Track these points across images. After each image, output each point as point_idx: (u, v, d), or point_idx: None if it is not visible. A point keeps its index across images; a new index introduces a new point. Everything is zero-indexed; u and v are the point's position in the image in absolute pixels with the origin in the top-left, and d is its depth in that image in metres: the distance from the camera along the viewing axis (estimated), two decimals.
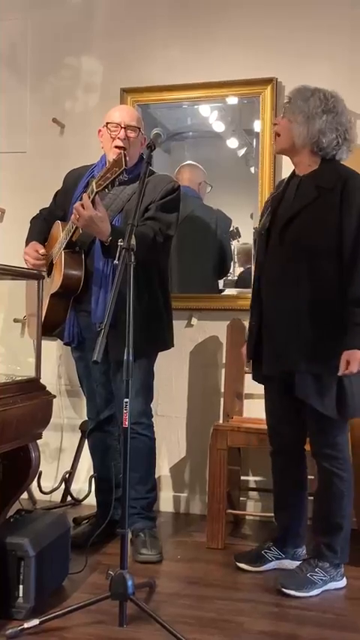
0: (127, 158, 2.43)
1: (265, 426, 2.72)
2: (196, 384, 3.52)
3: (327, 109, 2.45)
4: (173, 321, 2.98)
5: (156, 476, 3.02)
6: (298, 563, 2.62)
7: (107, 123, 2.84)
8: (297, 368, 2.41)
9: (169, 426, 3.47)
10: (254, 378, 2.69)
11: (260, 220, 2.69)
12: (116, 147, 2.79)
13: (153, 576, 2.55)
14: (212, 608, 2.34)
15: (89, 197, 2.56)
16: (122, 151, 2.49)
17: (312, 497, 2.65)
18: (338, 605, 2.40)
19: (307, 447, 2.61)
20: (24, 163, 3.73)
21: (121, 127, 2.81)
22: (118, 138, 2.80)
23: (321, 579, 2.48)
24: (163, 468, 3.48)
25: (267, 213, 2.62)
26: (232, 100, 3.51)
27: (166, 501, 3.48)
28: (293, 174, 2.61)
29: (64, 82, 3.72)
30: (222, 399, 3.41)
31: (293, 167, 2.60)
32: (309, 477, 2.68)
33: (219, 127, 3.59)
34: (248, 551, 2.76)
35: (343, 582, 2.55)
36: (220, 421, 3.27)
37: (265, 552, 2.70)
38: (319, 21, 3.34)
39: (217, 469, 2.92)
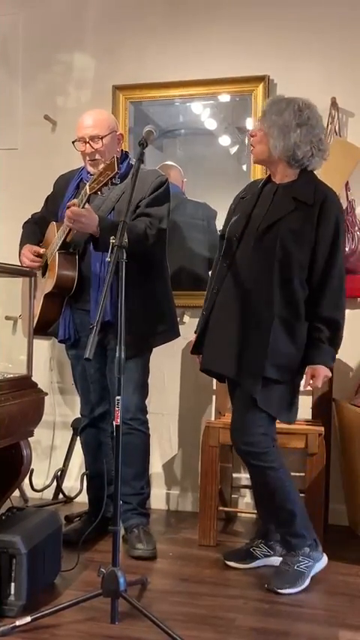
0: (125, 162, 2.44)
1: None
2: (188, 382, 3.53)
3: (301, 122, 2.46)
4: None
5: None
6: None
7: (73, 142, 2.85)
8: (265, 374, 2.42)
9: (161, 423, 3.47)
10: (201, 369, 2.69)
11: (227, 221, 2.70)
12: (88, 160, 2.84)
13: (145, 573, 2.55)
14: (204, 605, 2.35)
15: (82, 200, 2.59)
16: (114, 156, 2.50)
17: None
18: (329, 601, 2.41)
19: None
20: (15, 160, 3.72)
21: (86, 142, 2.81)
22: (86, 154, 2.82)
23: (307, 567, 2.50)
24: (154, 465, 3.48)
25: (238, 217, 2.61)
26: (225, 98, 3.51)
27: (157, 498, 3.49)
28: (269, 179, 2.63)
29: (56, 78, 3.71)
30: (214, 397, 3.42)
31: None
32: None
33: (211, 124, 3.59)
34: (237, 549, 2.77)
35: (325, 559, 2.58)
36: (212, 418, 3.28)
37: (254, 550, 2.70)
38: (311, 19, 3.35)
39: (208, 466, 2.92)
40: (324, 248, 2.45)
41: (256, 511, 3.20)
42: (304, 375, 2.49)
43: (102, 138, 2.80)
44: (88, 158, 2.84)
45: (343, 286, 2.50)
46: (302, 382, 2.51)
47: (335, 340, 2.49)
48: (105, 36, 3.62)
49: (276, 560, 2.66)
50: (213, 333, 2.59)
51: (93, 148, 2.81)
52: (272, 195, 2.56)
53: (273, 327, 2.42)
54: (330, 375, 2.51)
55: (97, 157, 2.80)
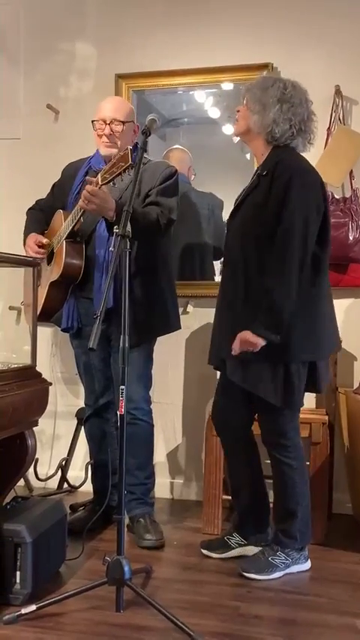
0: (134, 154, 2.43)
1: None
2: (192, 371, 3.53)
3: (283, 98, 2.45)
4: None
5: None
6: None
7: (93, 121, 2.85)
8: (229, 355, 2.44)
9: (165, 413, 3.48)
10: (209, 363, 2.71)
11: None
12: (104, 142, 2.82)
13: (149, 562, 2.56)
14: (208, 593, 2.36)
15: (96, 186, 2.57)
16: (128, 147, 2.48)
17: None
18: (332, 589, 2.41)
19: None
20: (18, 150, 3.71)
21: (106, 124, 2.81)
22: (104, 134, 2.81)
23: (283, 562, 2.51)
24: (158, 455, 3.48)
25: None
26: (228, 86, 3.49)
27: (162, 487, 3.49)
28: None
29: (58, 67, 3.69)
30: None
31: None
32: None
33: (214, 113, 3.57)
34: (213, 538, 2.79)
35: (307, 565, 2.57)
36: None
37: (228, 539, 2.71)
38: (315, 6, 3.32)
39: (212, 456, 2.93)
40: (275, 215, 2.35)
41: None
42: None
43: (122, 123, 2.80)
44: (105, 139, 2.82)
45: (291, 250, 2.32)
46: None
47: (270, 307, 2.32)
48: (107, 24, 3.60)
49: (251, 549, 2.66)
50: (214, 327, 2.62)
51: (112, 130, 2.80)
52: (252, 178, 2.57)
53: (245, 305, 2.42)
54: (255, 342, 2.33)
55: (115, 139, 2.79)
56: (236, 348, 2.39)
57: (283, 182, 2.36)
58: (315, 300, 2.44)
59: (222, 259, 3.59)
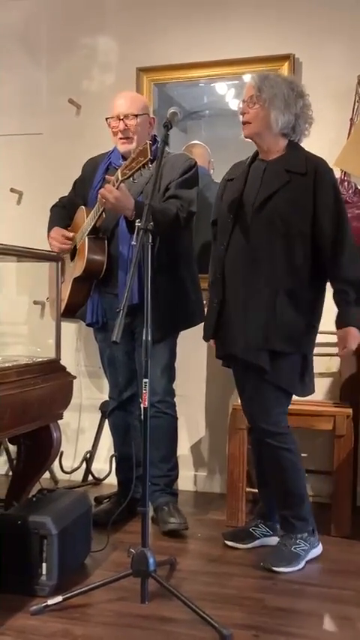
0: (153, 147, 2.45)
1: None
2: (215, 364, 3.51)
3: (300, 94, 2.49)
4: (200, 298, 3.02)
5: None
6: None
7: (107, 118, 2.86)
8: (272, 347, 2.44)
9: (187, 406, 3.48)
10: (217, 356, 2.74)
11: (217, 206, 2.70)
12: (120, 138, 2.83)
13: (173, 554, 2.57)
14: (232, 585, 2.37)
15: (114, 185, 2.59)
16: (147, 142, 2.49)
17: None
18: (357, 582, 2.40)
19: None
20: (40, 145, 3.73)
21: (119, 119, 2.81)
22: (119, 131, 2.82)
23: (303, 550, 2.52)
24: (182, 447, 3.49)
25: (229, 199, 2.59)
26: (249, 78, 3.46)
27: (185, 480, 3.50)
28: (254, 158, 2.61)
29: (80, 62, 3.70)
30: None
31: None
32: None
33: (236, 104, 3.55)
34: (236, 529, 2.80)
35: (320, 548, 2.60)
36: (239, 401, 3.28)
37: (253, 530, 2.72)
38: None
39: (236, 448, 2.93)
40: (330, 215, 2.43)
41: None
42: (338, 340, 2.47)
43: (136, 116, 2.81)
44: (120, 135, 2.84)
45: (354, 244, 2.47)
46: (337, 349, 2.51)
47: None
48: (128, 18, 3.60)
49: (274, 540, 2.67)
50: (226, 317, 2.59)
51: (126, 125, 2.81)
52: (262, 171, 2.54)
53: (277, 299, 2.43)
54: None
55: (130, 134, 2.80)
56: (352, 346, 2.44)
57: (331, 188, 2.45)
58: (319, 299, 2.54)
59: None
